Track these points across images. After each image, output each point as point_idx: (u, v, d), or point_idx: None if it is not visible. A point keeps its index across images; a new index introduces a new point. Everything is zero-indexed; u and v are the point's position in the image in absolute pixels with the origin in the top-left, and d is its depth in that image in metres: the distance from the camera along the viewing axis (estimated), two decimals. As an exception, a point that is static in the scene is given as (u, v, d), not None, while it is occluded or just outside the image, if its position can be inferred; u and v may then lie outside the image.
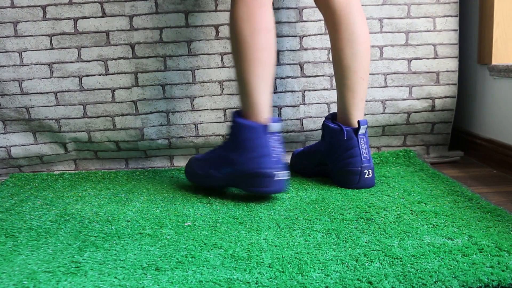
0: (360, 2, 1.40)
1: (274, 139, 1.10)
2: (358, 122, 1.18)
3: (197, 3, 1.38)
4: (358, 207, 1.03)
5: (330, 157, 1.23)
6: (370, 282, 0.70)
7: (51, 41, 1.36)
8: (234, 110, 1.17)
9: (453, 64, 1.45)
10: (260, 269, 0.76)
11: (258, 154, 1.09)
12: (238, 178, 1.11)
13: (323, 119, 1.44)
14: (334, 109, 1.44)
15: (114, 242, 0.89)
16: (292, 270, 0.75)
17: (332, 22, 1.19)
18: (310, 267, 0.76)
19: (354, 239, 0.86)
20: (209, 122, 1.42)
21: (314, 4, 1.40)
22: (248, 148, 1.10)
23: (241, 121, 1.10)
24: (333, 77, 1.42)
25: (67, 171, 1.43)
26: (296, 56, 1.42)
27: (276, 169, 1.09)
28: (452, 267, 0.74)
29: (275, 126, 1.10)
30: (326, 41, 1.42)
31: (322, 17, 1.40)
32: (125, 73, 1.39)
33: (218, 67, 1.40)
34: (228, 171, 1.12)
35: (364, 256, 0.79)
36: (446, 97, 1.46)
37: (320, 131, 1.45)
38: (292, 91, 1.43)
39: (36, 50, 1.36)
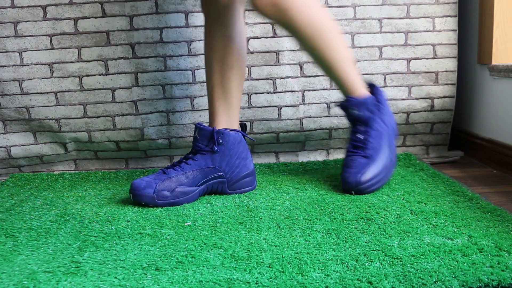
0: (357, 4, 1.41)
1: None
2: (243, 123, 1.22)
3: (197, 3, 1.38)
4: (358, 207, 1.03)
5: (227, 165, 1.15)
6: (370, 282, 0.71)
7: (51, 41, 1.36)
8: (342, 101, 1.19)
9: (452, 64, 1.45)
10: (260, 269, 0.76)
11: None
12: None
13: (323, 119, 1.44)
14: (334, 108, 1.44)
15: (114, 242, 0.89)
16: (292, 270, 0.75)
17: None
18: (310, 267, 0.76)
19: (354, 239, 0.86)
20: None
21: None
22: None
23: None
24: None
25: (67, 171, 1.43)
26: (296, 56, 1.42)
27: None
28: (452, 267, 0.74)
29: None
30: (326, 41, 1.42)
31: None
32: (125, 73, 1.39)
33: (218, 67, 1.40)
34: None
35: (364, 256, 0.79)
36: (445, 97, 1.46)
37: (320, 130, 1.45)
38: (292, 91, 1.43)
39: (36, 50, 1.36)
